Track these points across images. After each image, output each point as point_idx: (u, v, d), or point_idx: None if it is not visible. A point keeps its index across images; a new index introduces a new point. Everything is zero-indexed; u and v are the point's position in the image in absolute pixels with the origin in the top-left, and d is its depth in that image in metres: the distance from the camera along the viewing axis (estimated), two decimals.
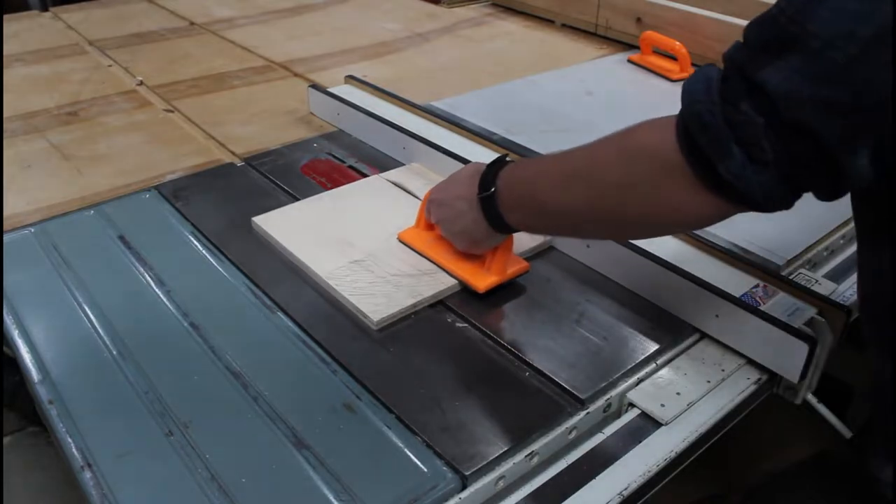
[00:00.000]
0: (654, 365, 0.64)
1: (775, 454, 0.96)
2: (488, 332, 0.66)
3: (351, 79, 1.15)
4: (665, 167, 0.49)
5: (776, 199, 0.47)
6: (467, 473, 0.52)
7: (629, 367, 0.63)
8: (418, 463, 0.53)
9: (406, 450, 0.55)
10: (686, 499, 0.81)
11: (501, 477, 0.54)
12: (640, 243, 0.72)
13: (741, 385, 0.63)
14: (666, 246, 0.75)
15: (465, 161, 0.87)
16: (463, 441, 0.55)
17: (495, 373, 0.62)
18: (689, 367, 0.65)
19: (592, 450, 0.57)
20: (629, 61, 1.33)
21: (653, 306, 0.70)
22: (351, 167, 0.96)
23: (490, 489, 0.53)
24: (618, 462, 0.56)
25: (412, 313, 0.69)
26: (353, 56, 1.38)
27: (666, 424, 0.59)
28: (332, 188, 0.90)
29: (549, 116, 1.11)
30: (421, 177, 0.90)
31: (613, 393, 0.61)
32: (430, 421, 0.57)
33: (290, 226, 0.80)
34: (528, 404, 0.59)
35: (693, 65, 1.25)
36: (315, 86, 1.11)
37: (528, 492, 0.54)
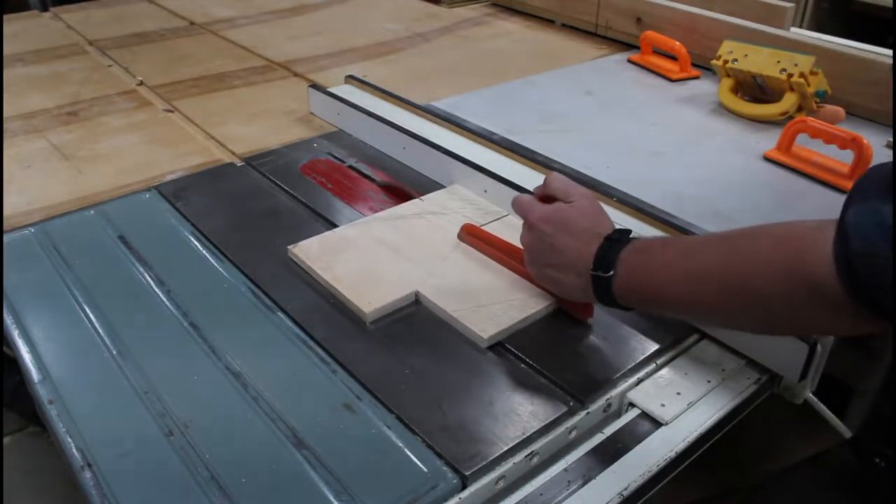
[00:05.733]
0: (654, 365, 0.64)
1: (775, 454, 0.96)
2: None
3: (351, 79, 1.15)
4: (824, 300, 0.46)
5: None
6: (467, 473, 0.52)
7: (630, 366, 0.63)
8: (418, 463, 0.53)
9: (406, 450, 0.55)
10: (686, 499, 0.81)
11: (501, 477, 0.54)
12: None
13: (741, 385, 0.63)
14: None
15: (465, 161, 0.87)
16: (463, 441, 0.55)
17: (495, 373, 0.62)
18: (690, 367, 0.65)
19: (592, 450, 0.57)
20: (629, 61, 1.33)
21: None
22: (351, 167, 0.96)
23: (490, 489, 0.53)
24: (618, 462, 0.56)
25: (412, 312, 0.69)
26: (353, 56, 1.38)
27: (666, 424, 0.59)
28: (332, 189, 0.90)
29: (548, 116, 1.11)
30: (466, 202, 0.86)
31: (614, 393, 0.61)
32: (430, 421, 0.57)
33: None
34: (528, 404, 0.59)
35: (693, 65, 1.25)
36: (315, 86, 1.11)
37: (529, 492, 0.54)
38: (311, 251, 0.75)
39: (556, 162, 0.95)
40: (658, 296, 0.57)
